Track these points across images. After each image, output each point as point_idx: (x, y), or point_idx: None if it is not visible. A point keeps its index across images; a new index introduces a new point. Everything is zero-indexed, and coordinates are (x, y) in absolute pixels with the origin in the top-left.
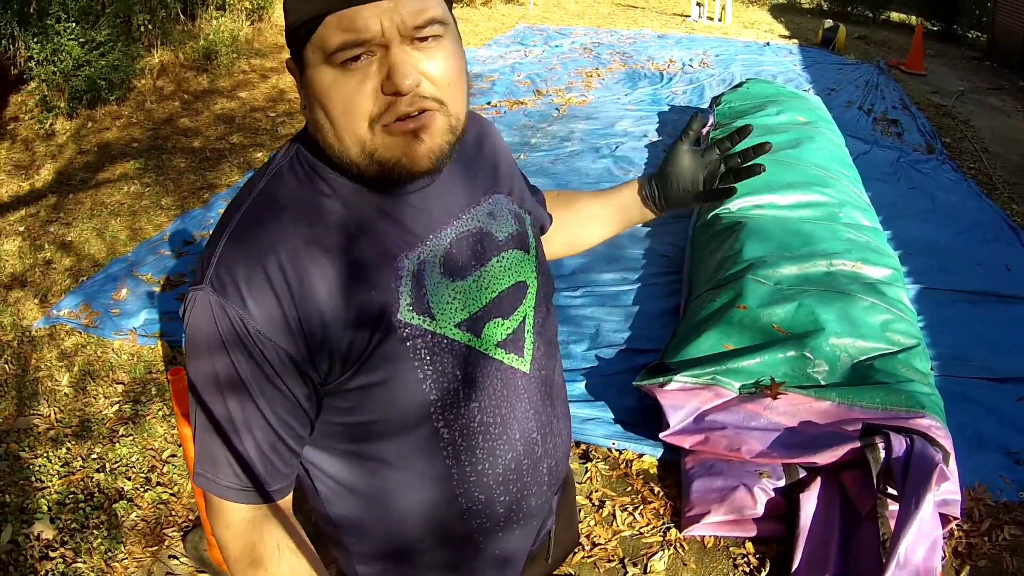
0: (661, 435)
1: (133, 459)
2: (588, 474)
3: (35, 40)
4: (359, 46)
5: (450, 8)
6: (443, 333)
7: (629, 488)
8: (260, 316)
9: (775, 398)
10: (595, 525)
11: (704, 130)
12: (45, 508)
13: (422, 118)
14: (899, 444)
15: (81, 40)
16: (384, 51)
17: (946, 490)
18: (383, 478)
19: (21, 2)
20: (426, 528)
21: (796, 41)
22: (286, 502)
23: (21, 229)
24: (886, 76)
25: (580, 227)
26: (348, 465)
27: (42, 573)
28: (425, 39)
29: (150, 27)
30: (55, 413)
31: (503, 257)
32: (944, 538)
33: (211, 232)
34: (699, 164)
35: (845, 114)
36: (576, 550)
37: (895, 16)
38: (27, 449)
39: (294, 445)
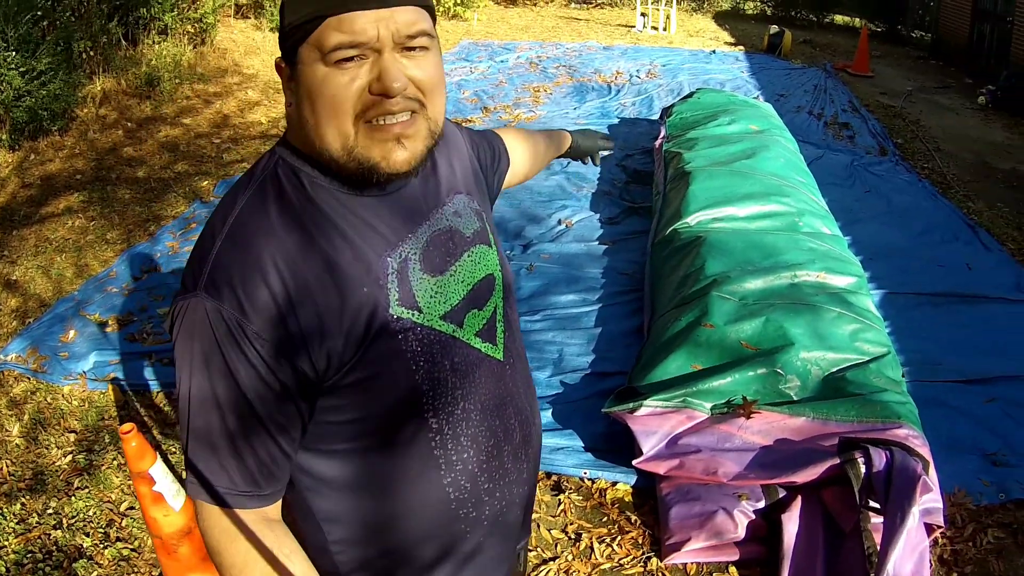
0: (635, 462)
1: (90, 513)
2: (561, 506)
3: None
4: (354, 47)
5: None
6: (431, 325)
7: (605, 518)
8: (258, 318)
9: (749, 417)
10: (573, 559)
11: (657, 142)
12: (3, 569)
13: (407, 123)
14: (879, 458)
15: (22, 70)
16: (376, 55)
17: (928, 500)
18: (374, 473)
19: None
20: (417, 520)
21: (742, 48)
22: (277, 507)
23: None
24: (834, 79)
25: (537, 168)
26: (340, 464)
27: None
28: (414, 48)
29: (92, 54)
30: (7, 466)
31: (472, 252)
32: (929, 547)
33: (195, 243)
34: (593, 141)
35: (796, 119)
36: None
37: (839, 19)
38: None
39: (288, 448)
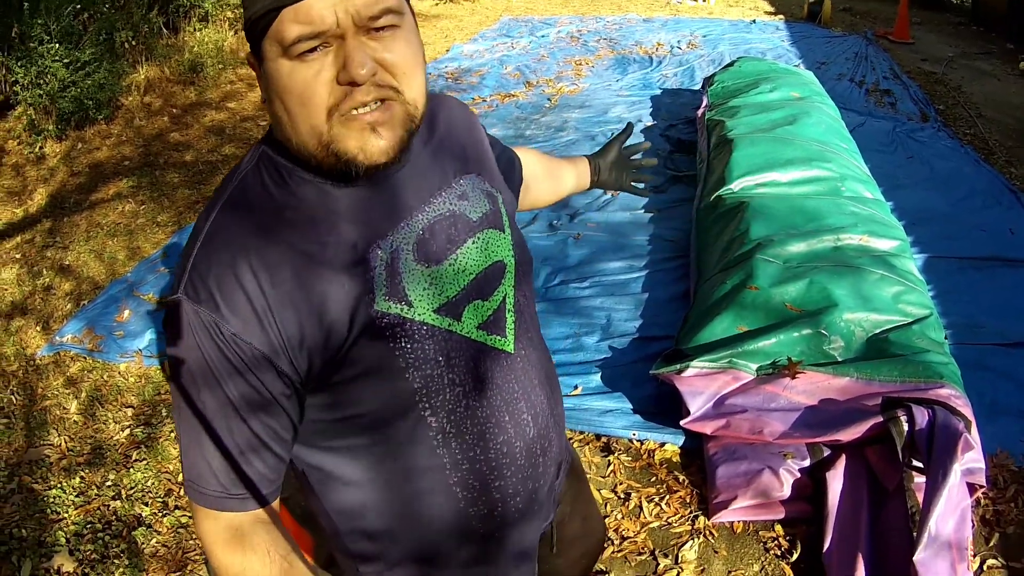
0: (682, 422)
1: (149, 484)
2: (611, 467)
3: (19, 64)
4: (314, 38)
5: None
6: (422, 320)
7: (653, 478)
8: (235, 320)
9: (794, 377)
10: (622, 518)
11: (699, 112)
12: (63, 540)
13: (380, 110)
14: (921, 416)
15: (66, 61)
16: (340, 42)
17: (970, 459)
18: (375, 472)
19: (2, 26)
20: (422, 520)
21: (782, 17)
22: (273, 508)
23: (18, 256)
24: (875, 47)
25: (557, 196)
26: (340, 461)
27: None
28: (380, 29)
29: (134, 43)
30: (66, 442)
31: (478, 238)
32: (972, 507)
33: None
34: (623, 162)
35: (837, 87)
36: (605, 544)
37: None
38: (40, 480)
39: (278, 449)
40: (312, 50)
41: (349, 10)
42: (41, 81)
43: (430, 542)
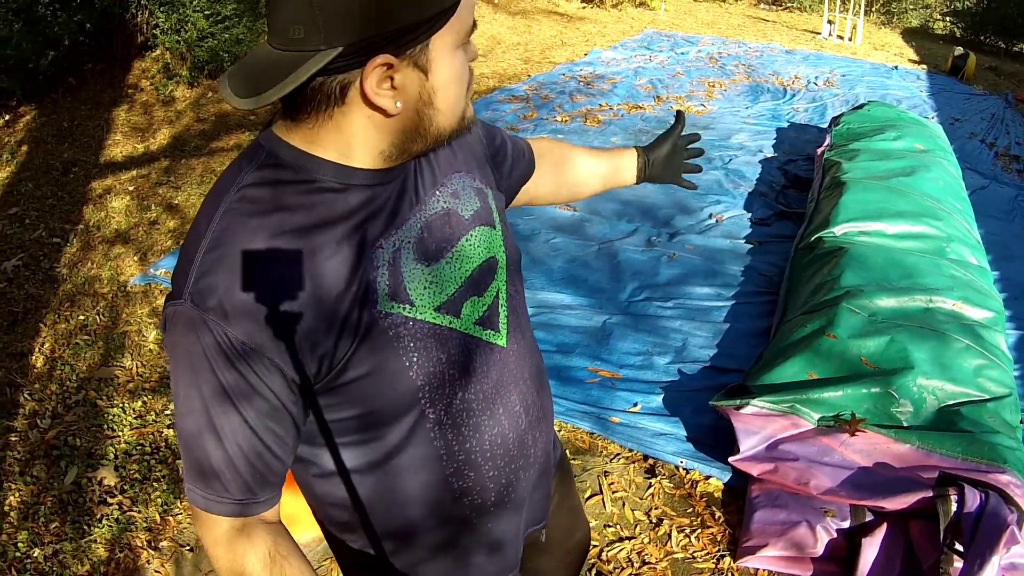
0: (731, 459)
1: None
2: (651, 489)
3: (161, 9)
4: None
5: None
6: (424, 318)
7: (690, 510)
8: (241, 327)
9: (853, 435)
10: (648, 543)
11: (819, 150)
12: (112, 456)
13: None
14: (973, 498)
15: (207, 13)
16: None
17: (1016, 552)
18: (376, 466)
19: None
20: (421, 510)
21: (925, 67)
22: (275, 511)
23: (131, 188)
24: (1013, 110)
25: (575, 187)
26: (344, 457)
27: (98, 516)
28: None
29: None
30: (137, 367)
31: (471, 235)
32: None
33: (184, 241)
34: (677, 155)
35: (966, 146)
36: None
37: None
38: (104, 398)
39: (281, 453)
40: None
41: None
42: (181, 28)
43: (421, 530)
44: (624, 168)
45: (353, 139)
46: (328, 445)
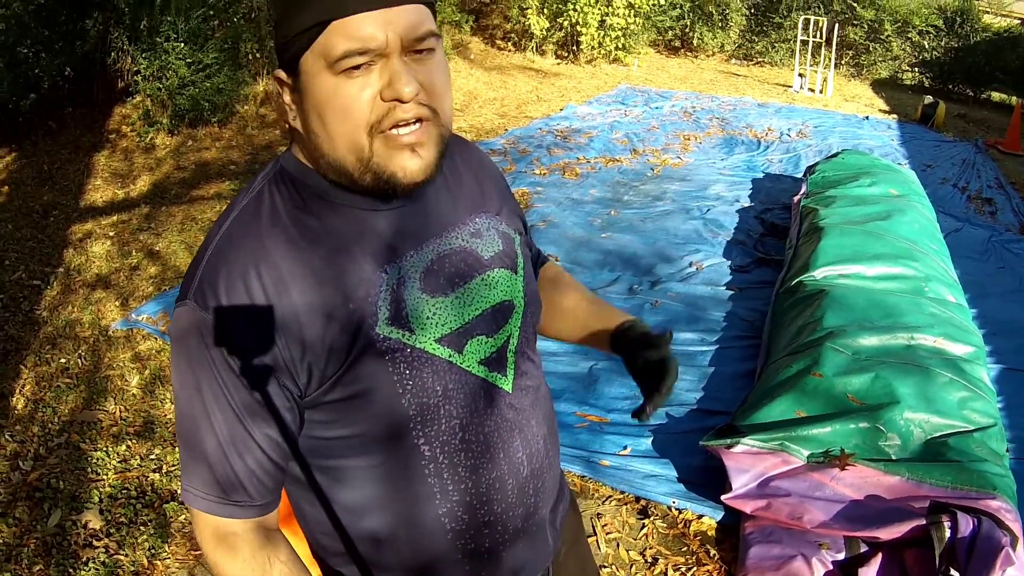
0: (723, 497)
1: None
2: (644, 530)
3: (143, 56)
4: (363, 55)
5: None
6: (422, 348)
7: (685, 548)
8: (240, 330)
9: (843, 469)
10: None
11: (795, 199)
12: (96, 499)
13: (419, 131)
14: (966, 524)
15: (188, 60)
16: (384, 60)
17: (1011, 574)
18: (364, 494)
19: (133, 19)
20: (406, 546)
21: (895, 116)
22: (273, 516)
23: (112, 234)
24: (983, 155)
25: (553, 319)
26: (329, 482)
27: (83, 560)
28: (421, 51)
29: (257, 55)
30: (120, 411)
31: (488, 276)
32: None
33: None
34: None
35: (939, 191)
36: None
37: (996, 95)
38: (88, 441)
39: (278, 459)
40: (357, 67)
41: (397, 30)
42: (162, 76)
43: (408, 563)
44: (603, 333)
45: (311, 154)
46: (320, 466)
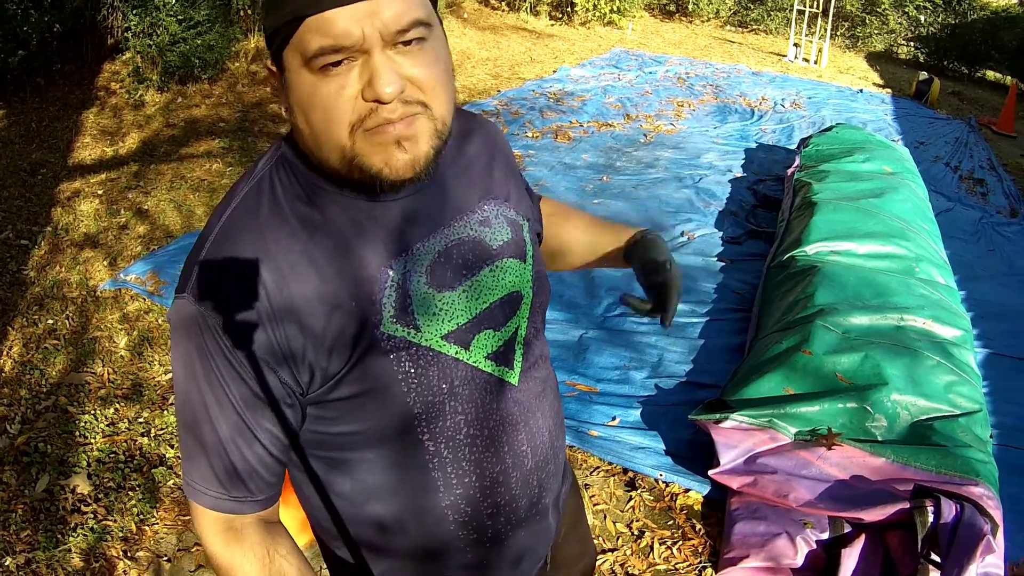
0: (710, 472)
1: None
2: (631, 502)
3: (134, 12)
4: (338, 52)
5: (434, 6)
6: (428, 345)
7: (671, 522)
8: (240, 323)
9: (830, 448)
10: (631, 555)
11: (789, 171)
12: (84, 463)
13: (405, 125)
14: (949, 509)
15: (179, 17)
16: (366, 56)
17: (990, 563)
18: (367, 483)
19: None
20: (410, 533)
21: (889, 91)
22: (274, 510)
23: (100, 192)
24: (976, 134)
25: (563, 256)
26: (333, 473)
27: (72, 525)
28: (408, 43)
29: (249, 12)
30: (108, 373)
31: (497, 266)
32: None
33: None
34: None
35: (932, 169)
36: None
37: (990, 75)
38: (76, 404)
39: (278, 454)
40: (336, 63)
41: (376, 24)
42: (153, 32)
43: (411, 550)
44: (615, 252)
45: (303, 146)
46: (325, 458)
